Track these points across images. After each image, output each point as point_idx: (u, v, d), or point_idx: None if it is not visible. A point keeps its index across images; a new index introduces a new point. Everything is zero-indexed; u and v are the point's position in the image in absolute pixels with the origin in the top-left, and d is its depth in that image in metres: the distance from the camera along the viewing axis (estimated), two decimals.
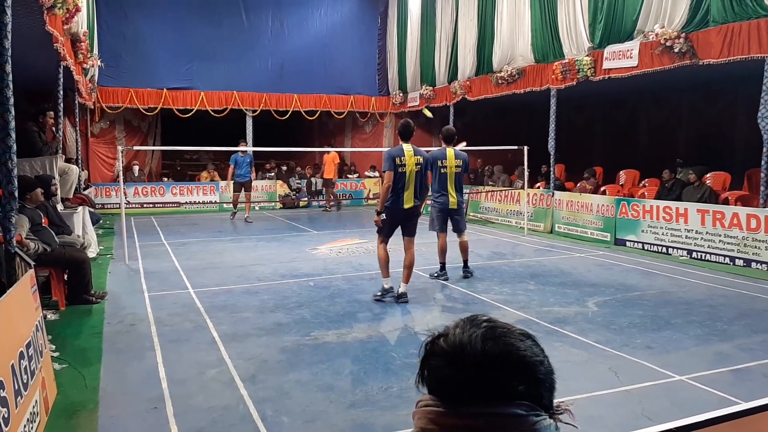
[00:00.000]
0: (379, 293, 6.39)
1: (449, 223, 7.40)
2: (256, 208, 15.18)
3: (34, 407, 3.23)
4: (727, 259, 8.25)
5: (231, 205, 14.49)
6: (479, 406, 0.85)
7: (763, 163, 8.10)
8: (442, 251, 7.39)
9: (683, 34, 8.74)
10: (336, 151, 16.16)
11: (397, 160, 6.09)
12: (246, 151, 13.37)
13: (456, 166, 7.23)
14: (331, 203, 16.48)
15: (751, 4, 7.96)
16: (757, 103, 8.04)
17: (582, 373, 4.27)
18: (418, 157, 6.22)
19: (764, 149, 8.04)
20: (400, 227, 6.40)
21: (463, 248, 7.49)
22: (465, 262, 7.54)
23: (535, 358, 0.89)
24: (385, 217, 6.17)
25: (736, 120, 13.00)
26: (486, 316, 0.93)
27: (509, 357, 0.87)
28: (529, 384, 0.87)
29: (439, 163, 7.20)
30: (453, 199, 7.24)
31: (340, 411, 3.67)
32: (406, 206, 6.17)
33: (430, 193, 7.33)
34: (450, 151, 7.29)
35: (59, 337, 5.06)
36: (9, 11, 4.16)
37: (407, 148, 6.19)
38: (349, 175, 18.70)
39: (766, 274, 7.59)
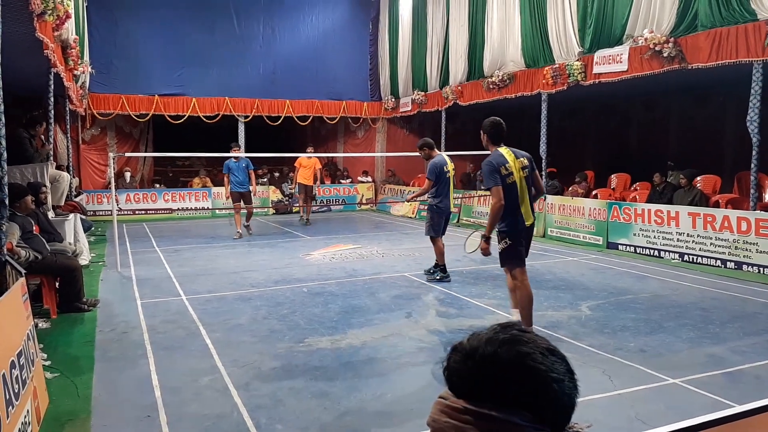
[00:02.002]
0: None
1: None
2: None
3: (25, 417, 3.20)
4: (719, 262, 8.30)
5: (232, 218, 12.54)
6: (482, 405, 0.86)
7: (752, 166, 8.17)
8: (441, 254, 7.66)
9: (672, 38, 8.81)
10: (317, 157, 14.29)
11: (503, 170, 4.92)
12: (239, 156, 11.73)
13: (453, 169, 7.71)
14: (307, 213, 14.57)
15: (738, 9, 8.04)
16: (745, 107, 8.11)
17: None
18: (522, 159, 5.09)
19: (753, 152, 8.12)
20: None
21: (441, 252, 7.73)
22: (444, 265, 7.74)
23: (551, 374, 0.88)
24: (510, 242, 5.04)
25: (726, 123, 13.11)
26: (519, 326, 0.94)
27: (520, 365, 0.87)
28: (536, 397, 0.86)
29: (445, 169, 7.60)
30: (452, 204, 7.77)
31: (334, 418, 3.66)
32: (528, 222, 5.08)
33: (430, 198, 7.73)
34: (447, 157, 7.79)
35: (51, 346, 5.02)
36: None
37: (506, 152, 5.07)
38: (342, 180, 18.73)
39: (757, 277, 7.65)
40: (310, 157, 13.77)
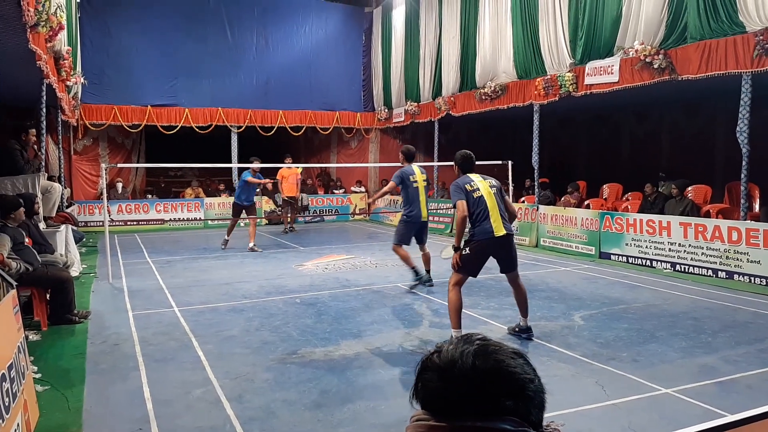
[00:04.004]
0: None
1: None
2: (241, 224, 13.79)
3: (15, 430, 3.16)
4: (710, 272, 8.35)
5: (225, 230, 12.21)
6: (468, 420, 0.86)
7: (742, 176, 8.24)
8: (406, 258, 7.71)
9: (662, 50, 8.91)
10: (297, 167, 14.40)
11: (467, 186, 5.35)
12: (256, 170, 11.29)
13: (424, 180, 7.86)
14: (290, 222, 15.02)
15: (726, 21, 8.14)
16: (735, 118, 8.19)
17: (569, 387, 4.28)
18: (490, 181, 5.51)
19: (743, 163, 8.19)
20: (494, 261, 5.49)
21: (427, 259, 7.88)
22: (428, 271, 7.84)
23: (524, 376, 0.90)
24: (469, 251, 5.29)
25: (716, 134, 13.23)
26: (480, 335, 0.96)
27: (498, 373, 0.89)
28: (517, 400, 0.88)
29: (411, 179, 7.73)
30: (425, 213, 7.77)
31: (328, 430, 3.64)
32: (497, 234, 5.25)
33: (402, 207, 7.92)
34: (416, 168, 7.90)
35: (41, 358, 4.98)
36: None
37: (473, 175, 5.50)
38: (335, 191, 18.74)
39: (748, 286, 7.69)
40: (290, 167, 13.73)
